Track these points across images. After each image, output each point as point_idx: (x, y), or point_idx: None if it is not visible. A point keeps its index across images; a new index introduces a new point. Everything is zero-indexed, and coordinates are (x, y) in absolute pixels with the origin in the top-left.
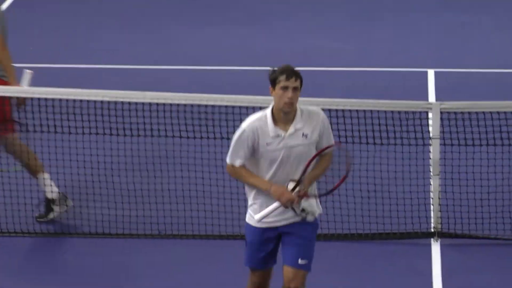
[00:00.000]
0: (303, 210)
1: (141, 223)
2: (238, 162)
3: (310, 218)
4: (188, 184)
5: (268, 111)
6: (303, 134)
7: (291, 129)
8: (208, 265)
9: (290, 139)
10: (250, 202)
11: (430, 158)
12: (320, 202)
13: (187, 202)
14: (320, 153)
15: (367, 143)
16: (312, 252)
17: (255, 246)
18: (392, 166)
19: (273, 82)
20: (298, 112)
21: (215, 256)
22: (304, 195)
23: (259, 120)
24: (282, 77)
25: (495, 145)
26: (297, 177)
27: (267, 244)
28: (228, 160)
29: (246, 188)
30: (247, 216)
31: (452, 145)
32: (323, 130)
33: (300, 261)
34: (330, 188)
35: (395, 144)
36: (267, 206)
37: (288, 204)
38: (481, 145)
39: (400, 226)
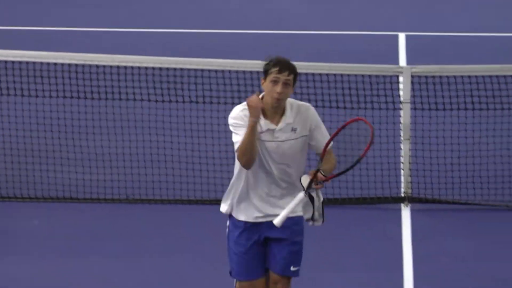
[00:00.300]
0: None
1: (109, 187)
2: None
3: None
4: (156, 148)
5: None
6: (292, 129)
7: (281, 124)
8: (175, 229)
9: (280, 134)
10: (233, 199)
11: (401, 123)
12: None
13: (155, 166)
14: (328, 142)
15: (337, 107)
16: (302, 255)
17: (241, 245)
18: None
19: (265, 73)
20: (288, 106)
21: (182, 220)
22: (327, 179)
23: (245, 109)
24: (274, 69)
25: (466, 109)
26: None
27: (254, 243)
28: (236, 148)
29: (233, 184)
30: (231, 211)
31: (422, 109)
32: (314, 126)
33: (292, 268)
34: (357, 158)
35: (365, 108)
36: (254, 204)
37: (255, 111)
38: (452, 109)
39: (370, 191)
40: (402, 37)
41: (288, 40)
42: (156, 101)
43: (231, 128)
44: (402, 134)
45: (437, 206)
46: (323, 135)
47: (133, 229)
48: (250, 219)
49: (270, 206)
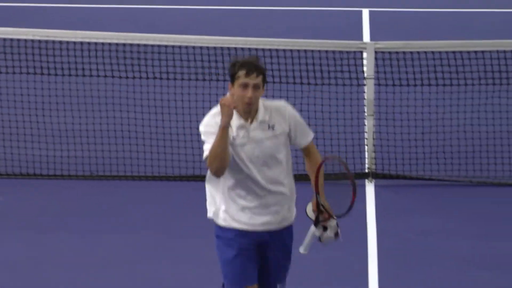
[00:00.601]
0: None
1: (73, 163)
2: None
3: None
4: (120, 124)
5: None
6: (269, 126)
7: (255, 123)
8: (139, 205)
9: (255, 132)
10: (223, 206)
11: (365, 99)
12: None
13: (119, 142)
14: (319, 168)
15: (301, 83)
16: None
17: (234, 247)
18: (326, 107)
19: (232, 77)
20: (261, 106)
21: (146, 196)
22: (329, 217)
23: (217, 115)
24: (242, 73)
25: (429, 85)
26: (314, 206)
27: (249, 246)
28: (204, 156)
29: (212, 191)
30: (219, 219)
31: (386, 85)
32: (294, 124)
33: (278, 286)
34: (345, 210)
35: (329, 84)
36: (248, 214)
37: (228, 110)
38: (415, 85)
39: (334, 167)
40: (365, 12)
41: (252, 16)
42: (120, 77)
43: (202, 136)
44: (366, 110)
45: (401, 182)
46: (305, 132)
47: (97, 205)
48: (245, 227)
49: (265, 214)
